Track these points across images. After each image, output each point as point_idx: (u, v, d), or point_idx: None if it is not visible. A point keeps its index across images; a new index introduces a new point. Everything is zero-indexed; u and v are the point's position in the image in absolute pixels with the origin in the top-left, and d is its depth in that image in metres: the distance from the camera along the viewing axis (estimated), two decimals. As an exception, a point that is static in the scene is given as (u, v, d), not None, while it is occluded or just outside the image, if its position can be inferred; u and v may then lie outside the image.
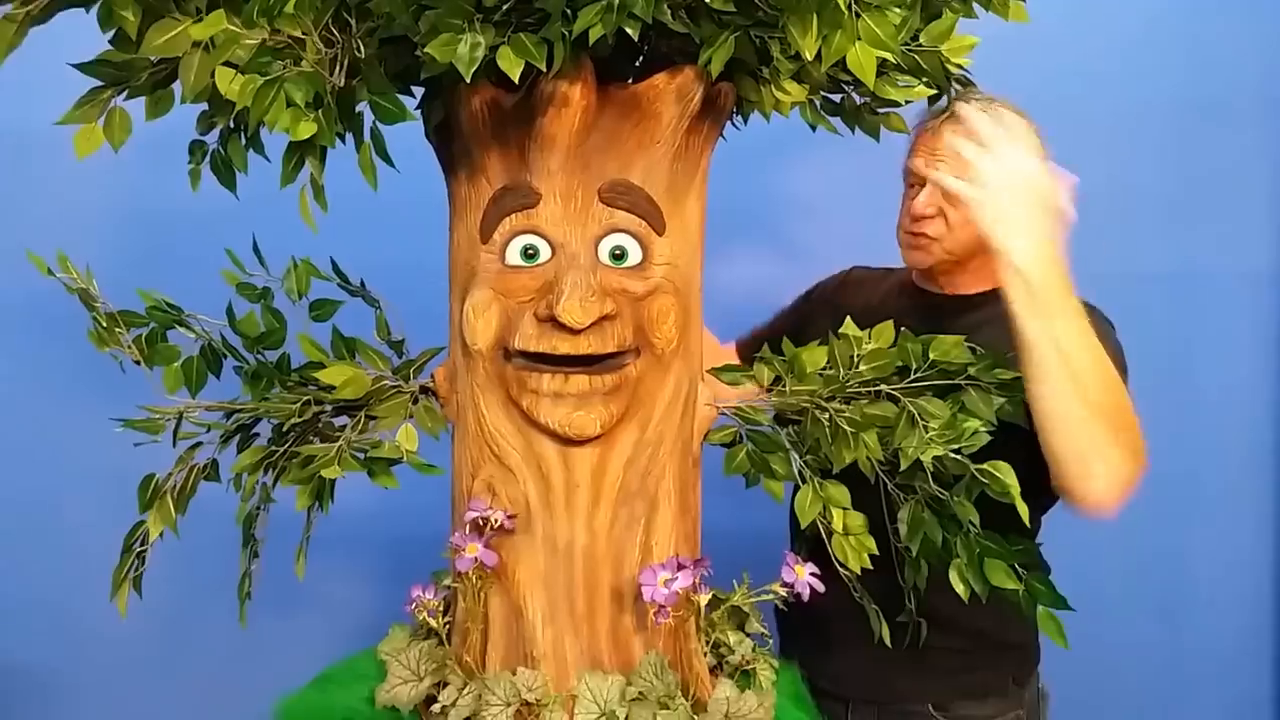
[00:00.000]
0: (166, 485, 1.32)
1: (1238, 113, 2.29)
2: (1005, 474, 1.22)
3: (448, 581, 1.33)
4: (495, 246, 1.22)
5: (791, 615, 1.40)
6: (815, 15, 1.07)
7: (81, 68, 1.11)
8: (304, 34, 1.07)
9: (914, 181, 1.52)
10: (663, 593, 1.18)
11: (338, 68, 1.09)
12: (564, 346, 1.18)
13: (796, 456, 1.30)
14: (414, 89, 1.26)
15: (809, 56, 1.09)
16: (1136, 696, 2.44)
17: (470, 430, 1.28)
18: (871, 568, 1.31)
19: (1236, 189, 2.31)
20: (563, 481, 1.24)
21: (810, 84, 1.26)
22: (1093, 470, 1.23)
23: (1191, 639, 2.44)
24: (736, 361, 1.67)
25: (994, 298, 1.53)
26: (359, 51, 1.09)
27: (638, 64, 1.28)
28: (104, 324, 1.30)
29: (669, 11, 1.06)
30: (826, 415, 1.26)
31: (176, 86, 1.11)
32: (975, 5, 1.30)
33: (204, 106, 1.16)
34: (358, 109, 1.13)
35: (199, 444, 1.34)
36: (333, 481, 1.31)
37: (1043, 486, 1.28)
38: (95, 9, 1.08)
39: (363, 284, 1.45)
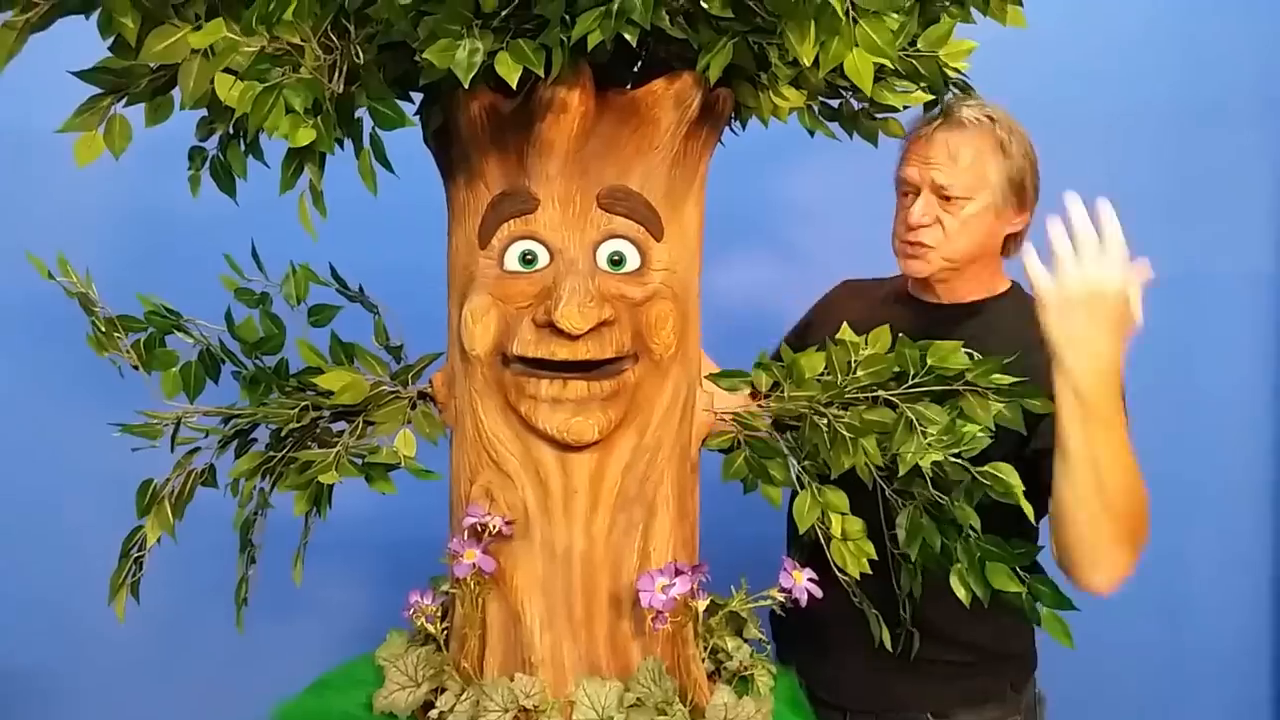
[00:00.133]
0: (164, 491, 1.32)
1: (1235, 114, 2.29)
2: (1008, 475, 1.22)
3: (446, 587, 1.33)
4: (494, 252, 1.22)
5: (789, 621, 1.40)
6: (813, 21, 1.07)
7: (81, 75, 1.11)
8: (303, 40, 1.07)
9: (908, 190, 1.51)
10: (660, 598, 1.18)
11: (336, 74, 1.09)
12: (562, 352, 1.18)
13: (794, 462, 1.30)
14: (413, 95, 1.26)
15: (807, 62, 1.09)
16: (1136, 697, 2.44)
17: (468, 435, 1.28)
18: (870, 573, 1.31)
19: (1235, 190, 2.32)
20: (561, 487, 1.24)
21: (808, 89, 1.26)
22: (1099, 566, 1.28)
23: (1191, 639, 2.44)
24: None
25: (989, 304, 1.55)
26: (358, 57, 1.09)
27: (636, 70, 1.28)
28: (103, 329, 1.30)
29: (667, 17, 1.06)
30: (825, 421, 1.26)
31: (176, 93, 1.11)
32: (973, 10, 1.30)
33: (203, 112, 1.16)
34: (357, 115, 1.13)
35: (197, 449, 1.34)
36: (330, 487, 1.31)
37: (1042, 490, 1.29)
38: (95, 16, 1.08)
39: (361, 289, 1.45)
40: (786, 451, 1.30)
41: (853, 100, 1.36)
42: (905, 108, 1.33)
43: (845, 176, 1.91)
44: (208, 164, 1.24)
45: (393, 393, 1.33)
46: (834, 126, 1.38)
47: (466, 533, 1.23)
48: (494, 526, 1.22)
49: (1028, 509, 1.22)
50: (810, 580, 1.27)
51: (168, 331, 1.33)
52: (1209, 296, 2.34)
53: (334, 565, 2.20)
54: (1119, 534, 1.26)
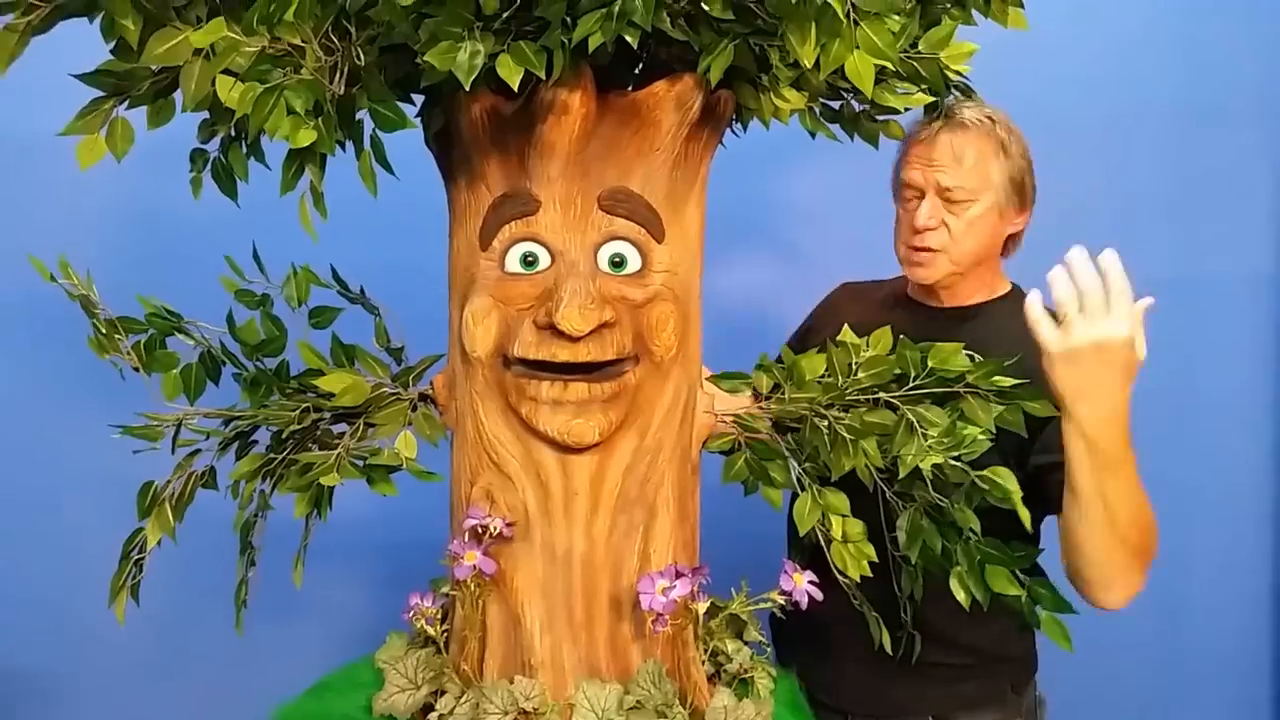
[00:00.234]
0: (165, 493, 1.32)
1: (1236, 115, 2.29)
2: (1006, 479, 1.22)
3: (446, 589, 1.33)
4: (495, 254, 1.22)
5: (789, 624, 1.40)
6: (814, 23, 1.07)
7: (83, 78, 1.11)
8: (304, 42, 1.06)
9: (911, 195, 1.50)
10: (661, 601, 1.18)
11: (338, 75, 1.09)
12: (563, 354, 1.18)
13: (795, 464, 1.30)
14: (414, 96, 1.26)
15: (808, 65, 1.09)
16: (1136, 698, 2.44)
17: (469, 437, 1.28)
18: (871, 575, 1.31)
19: (1235, 191, 2.32)
20: (561, 489, 1.24)
21: (809, 91, 1.26)
22: (1112, 588, 1.31)
23: (1191, 639, 2.44)
24: None
25: (990, 306, 1.54)
26: (359, 59, 1.09)
27: (637, 71, 1.28)
28: (104, 330, 1.30)
29: (668, 19, 1.06)
30: (825, 423, 1.26)
31: (178, 96, 1.11)
32: (974, 12, 1.30)
33: (205, 115, 1.16)
34: (358, 116, 1.13)
35: (198, 451, 1.34)
36: (331, 489, 1.31)
37: (1044, 503, 1.29)
38: (97, 19, 1.08)
39: (362, 291, 1.45)
40: (787, 453, 1.30)
41: (854, 102, 1.36)
42: (906, 110, 1.33)
43: (846, 178, 1.91)
44: (209, 166, 1.24)
45: (394, 394, 1.33)
46: (835, 128, 1.38)
47: (467, 535, 1.23)
48: (494, 528, 1.22)
49: (1024, 514, 1.21)
50: (810, 583, 1.27)
51: (168, 333, 1.33)
52: (1209, 297, 2.34)
53: (334, 567, 2.20)
54: (1130, 559, 1.28)
